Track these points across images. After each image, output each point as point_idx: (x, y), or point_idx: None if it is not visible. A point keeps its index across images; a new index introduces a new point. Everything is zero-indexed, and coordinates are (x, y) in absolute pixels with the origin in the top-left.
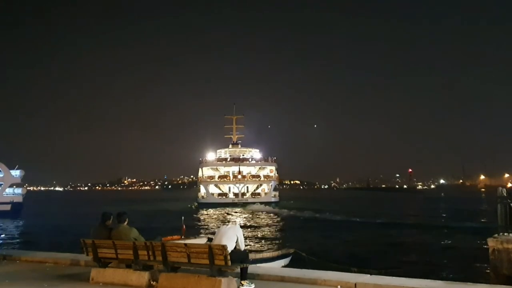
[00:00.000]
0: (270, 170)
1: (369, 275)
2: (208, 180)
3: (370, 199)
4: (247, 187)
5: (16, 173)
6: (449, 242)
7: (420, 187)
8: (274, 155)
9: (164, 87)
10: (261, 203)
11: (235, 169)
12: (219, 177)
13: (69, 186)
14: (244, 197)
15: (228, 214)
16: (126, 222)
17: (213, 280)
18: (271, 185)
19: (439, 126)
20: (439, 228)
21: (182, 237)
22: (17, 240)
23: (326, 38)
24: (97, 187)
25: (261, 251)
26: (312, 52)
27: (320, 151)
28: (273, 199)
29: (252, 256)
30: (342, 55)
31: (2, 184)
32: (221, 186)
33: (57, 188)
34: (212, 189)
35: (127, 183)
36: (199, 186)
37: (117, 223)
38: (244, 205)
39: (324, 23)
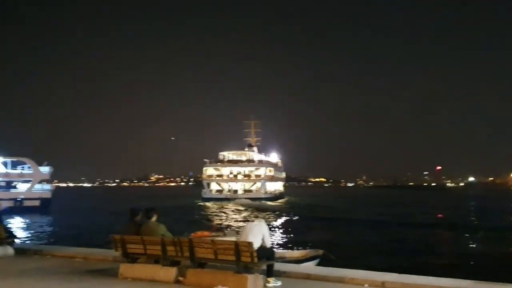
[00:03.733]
0: (269, 170)
1: (396, 274)
2: (209, 178)
3: (396, 197)
4: (244, 184)
5: (45, 169)
6: (478, 241)
7: (449, 185)
8: (295, 155)
9: (192, 86)
10: (251, 198)
11: (232, 169)
12: (217, 176)
13: (97, 182)
14: (237, 193)
15: (221, 207)
16: (154, 218)
17: (239, 277)
18: (261, 183)
19: (469, 122)
20: (468, 227)
21: (212, 233)
22: (47, 235)
23: (345, 36)
24: (124, 183)
25: (289, 251)
26: (335, 45)
27: (348, 148)
28: (263, 196)
29: (279, 256)
30: (365, 51)
31: (31, 180)
32: (221, 184)
33: (85, 184)
34: (214, 186)
35: (153, 180)
36: (203, 183)
37: (145, 219)
38: (232, 199)
39: (337, 24)
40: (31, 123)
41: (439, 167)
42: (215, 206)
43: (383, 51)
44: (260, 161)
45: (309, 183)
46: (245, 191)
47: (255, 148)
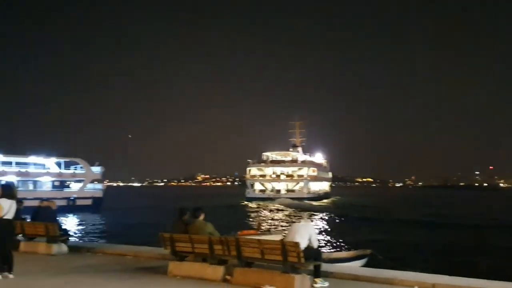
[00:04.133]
0: (312, 170)
1: (448, 276)
2: (252, 178)
3: (446, 198)
4: (287, 184)
5: (96, 169)
6: None
7: (502, 185)
8: (342, 155)
9: (237, 87)
10: (293, 198)
11: (275, 169)
12: (260, 176)
13: (146, 182)
14: (280, 193)
15: (265, 207)
16: (201, 217)
17: (286, 277)
18: (304, 183)
19: None
20: None
21: (258, 232)
22: (99, 233)
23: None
24: (172, 183)
25: (336, 251)
26: (378, 46)
27: (396, 148)
28: (305, 195)
29: (326, 255)
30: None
31: (83, 180)
32: (265, 183)
33: (134, 184)
34: (257, 186)
35: (200, 179)
36: (246, 183)
37: (193, 218)
38: (274, 199)
39: (377, 26)
40: (85, 125)
41: (491, 167)
42: (258, 205)
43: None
44: (303, 161)
45: (356, 184)
46: (288, 191)
47: (299, 149)
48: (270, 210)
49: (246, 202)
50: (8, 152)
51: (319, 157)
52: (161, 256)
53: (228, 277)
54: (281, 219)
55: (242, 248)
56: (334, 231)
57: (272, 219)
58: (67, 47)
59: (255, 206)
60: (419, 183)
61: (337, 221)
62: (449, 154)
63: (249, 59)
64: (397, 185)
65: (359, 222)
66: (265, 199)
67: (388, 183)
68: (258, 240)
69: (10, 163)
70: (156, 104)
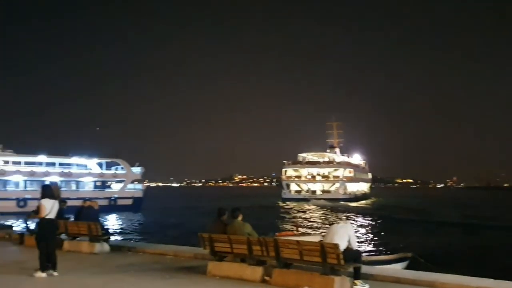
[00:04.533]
0: (348, 171)
1: (491, 279)
2: (288, 179)
3: (489, 199)
4: (323, 185)
5: (136, 170)
6: None
7: None
8: (382, 156)
9: (275, 87)
10: (329, 199)
11: (311, 170)
12: (295, 177)
13: (184, 182)
14: (315, 194)
15: (300, 207)
16: (240, 218)
17: (326, 278)
18: (340, 184)
19: None
20: None
21: (296, 234)
22: (139, 233)
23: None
24: (210, 183)
25: (376, 254)
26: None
27: (437, 148)
28: (341, 196)
29: (365, 258)
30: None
31: (124, 180)
32: (300, 184)
33: (173, 184)
34: (293, 187)
35: (237, 180)
36: (282, 184)
37: (231, 218)
38: (310, 200)
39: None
40: (124, 126)
41: None
42: (294, 206)
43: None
44: (339, 162)
45: (396, 184)
46: (323, 191)
47: (337, 149)
48: (306, 211)
49: (281, 203)
50: (51, 153)
51: (357, 158)
52: (201, 256)
53: (267, 277)
54: (318, 220)
55: (281, 249)
56: (373, 232)
57: (309, 220)
58: (99, 46)
59: (290, 207)
60: (461, 184)
61: (376, 222)
62: (492, 154)
63: (287, 59)
64: (438, 186)
65: (399, 223)
66: (301, 200)
67: (429, 184)
68: (297, 241)
69: (53, 164)
70: (195, 105)
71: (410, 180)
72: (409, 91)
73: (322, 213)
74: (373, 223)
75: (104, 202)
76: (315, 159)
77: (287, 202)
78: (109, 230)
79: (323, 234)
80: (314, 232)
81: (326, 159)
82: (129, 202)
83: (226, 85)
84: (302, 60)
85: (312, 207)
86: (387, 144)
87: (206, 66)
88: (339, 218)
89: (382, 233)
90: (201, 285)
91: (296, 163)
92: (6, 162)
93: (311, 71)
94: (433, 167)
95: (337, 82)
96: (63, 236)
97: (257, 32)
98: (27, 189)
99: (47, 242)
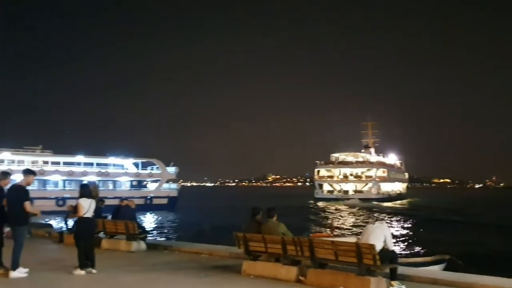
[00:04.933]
0: (382, 171)
1: None
2: (320, 179)
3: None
4: (356, 185)
5: (171, 169)
6: None
7: None
8: (419, 156)
9: (310, 87)
10: (361, 199)
11: (343, 170)
12: (328, 177)
13: (218, 182)
14: (348, 194)
15: (333, 207)
16: (275, 218)
17: (361, 279)
18: (373, 184)
19: None
20: None
21: (331, 234)
22: (174, 231)
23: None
24: (243, 183)
25: (413, 256)
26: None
27: (476, 148)
28: (374, 196)
29: (402, 260)
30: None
31: (159, 180)
32: (333, 184)
33: (207, 184)
34: (326, 186)
35: (271, 180)
36: (315, 184)
37: (266, 218)
38: (342, 200)
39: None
40: (160, 128)
41: None
42: (327, 206)
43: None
44: (371, 162)
45: (433, 184)
46: (356, 191)
47: (372, 149)
48: (339, 211)
49: (314, 203)
50: (89, 153)
51: (392, 158)
52: (235, 255)
53: (301, 277)
54: (351, 220)
55: (316, 249)
56: (409, 233)
57: (343, 220)
58: (142, 48)
59: (323, 206)
60: (501, 184)
61: (412, 223)
62: None
63: (321, 60)
64: (477, 186)
65: (435, 224)
66: (333, 199)
67: (467, 184)
68: (332, 241)
69: (91, 164)
70: (229, 106)
71: (448, 180)
72: (448, 89)
73: (355, 213)
74: (409, 223)
75: (140, 201)
76: (348, 159)
77: (320, 202)
78: (145, 229)
79: (358, 234)
80: (348, 232)
81: (359, 159)
82: (165, 201)
83: (261, 85)
84: (337, 60)
85: (344, 207)
86: (424, 144)
87: (239, 66)
88: (373, 218)
89: (418, 234)
90: (236, 284)
91: (328, 163)
92: (46, 163)
93: (346, 72)
94: (471, 167)
95: (373, 82)
96: (101, 234)
97: (293, 32)
98: (66, 188)
99: (86, 240)
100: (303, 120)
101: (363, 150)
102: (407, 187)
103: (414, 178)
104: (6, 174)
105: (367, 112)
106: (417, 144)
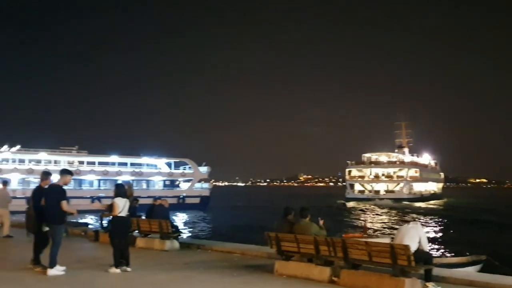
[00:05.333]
0: (414, 171)
1: None
2: (352, 179)
3: None
4: (387, 185)
5: (203, 169)
6: None
7: None
8: (454, 156)
9: (343, 87)
10: (392, 199)
11: (374, 170)
12: (359, 177)
13: (249, 182)
14: (379, 194)
15: (364, 207)
16: (308, 218)
17: (396, 280)
18: (404, 184)
19: None
20: None
21: (364, 235)
22: (206, 230)
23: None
24: (275, 183)
25: (448, 256)
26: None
27: None
28: (405, 196)
29: (437, 260)
30: None
31: (192, 180)
32: (364, 184)
33: (238, 184)
34: (357, 186)
35: (302, 179)
36: (346, 183)
37: (299, 218)
38: (373, 200)
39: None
40: (192, 128)
41: None
42: (357, 206)
43: None
44: (402, 162)
45: (469, 184)
46: (387, 191)
47: (405, 149)
48: (370, 211)
49: (345, 203)
50: (123, 153)
51: (426, 158)
52: (267, 255)
53: (335, 278)
54: (383, 221)
55: (349, 250)
56: (443, 234)
57: (374, 220)
58: (182, 53)
59: (354, 206)
60: None
61: (446, 223)
62: None
63: (353, 59)
64: None
65: (471, 224)
66: (364, 199)
67: (504, 184)
68: (366, 242)
69: (125, 164)
70: (260, 106)
71: (484, 180)
72: (484, 88)
73: (387, 214)
74: (443, 224)
75: (173, 201)
76: (380, 159)
77: (350, 202)
78: (179, 228)
79: (391, 235)
80: (381, 233)
81: (392, 159)
82: (197, 200)
83: (294, 86)
84: (370, 59)
85: (375, 207)
86: (460, 144)
87: (274, 67)
88: (405, 219)
89: (453, 235)
90: (269, 284)
91: (360, 163)
92: (81, 163)
93: (380, 71)
94: (509, 167)
95: (407, 82)
96: (135, 233)
97: (327, 35)
98: (101, 188)
99: (120, 239)
100: (336, 120)
101: (396, 150)
102: (443, 187)
103: (449, 178)
104: (47, 174)
105: (401, 112)
106: (452, 144)
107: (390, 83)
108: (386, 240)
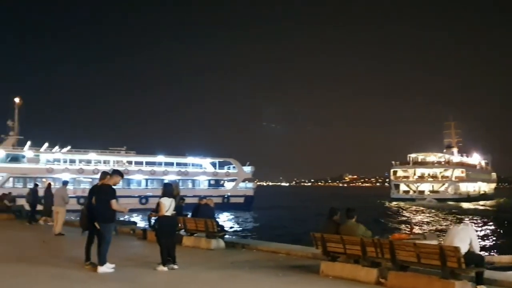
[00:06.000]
0: (461, 171)
1: None
2: (397, 179)
3: None
4: (433, 185)
5: (247, 169)
6: None
7: None
8: (508, 156)
9: (390, 87)
10: (437, 199)
11: (420, 170)
12: (403, 177)
13: (294, 182)
14: (423, 194)
15: (409, 208)
16: (354, 219)
17: (446, 283)
18: (449, 184)
19: None
20: None
21: (411, 236)
22: (251, 230)
23: None
24: (319, 183)
25: (498, 256)
26: None
27: None
28: (451, 196)
29: (488, 259)
30: None
31: (236, 179)
32: (409, 184)
33: (282, 184)
34: (402, 187)
35: (348, 180)
36: (391, 184)
37: (345, 218)
38: (417, 200)
39: None
40: (235, 128)
41: None
42: (402, 206)
43: None
44: (448, 162)
45: None
46: (432, 192)
47: (454, 150)
48: (416, 212)
49: (389, 203)
50: (169, 153)
51: (476, 158)
52: (313, 256)
53: (382, 280)
54: (429, 221)
55: (397, 251)
56: (495, 235)
57: (420, 221)
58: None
59: (398, 207)
60: None
61: (498, 224)
62: None
63: (401, 58)
64: None
65: None
66: (408, 199)
67: None
68: (414, 243)
69: (171, 163)
70: (304, 106)
71: None
72: None
73: (433, 214)
74: (493, 224)
75: (218, 200)
76: (426, 159)
77: (394, 202)
78: (224, 227)
79: (440, 237)
80: (431, 234)
81: (437, 159)
82: (241, 200)
83: (339, 86)
84: (415, 58)
85: (418, 207)
86: None
87: (315, 67)
88: (451, 219)
89: (504, 236)
90: (315, 285)
91: (405, 163)
92: (130, 163)
93: (426, 69)
94: None
95: (458, 81)
96: (182, 232)
97: (374, 33)
98: (148, 187)
99: (167, 238)
100: (383, 120)
101: (445, 150)
102: (495, 187)
103: (501, 178)
104: (105, 174)
105: (450, 111)
106: (506, 143)
107: (439, 83)
108: (434, 242)
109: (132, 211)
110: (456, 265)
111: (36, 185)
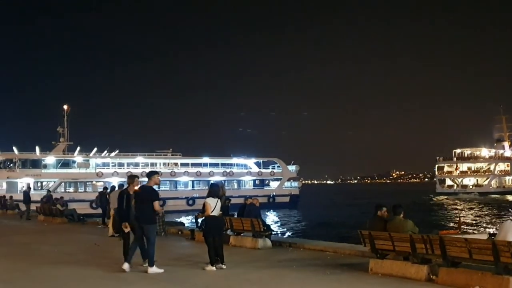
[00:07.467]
0: (507, 164)
1: None
2: (441, 174)
3: None
4: (477, 180)
5: (292, 168)
6: None
7: None
8: None
9: (438, 81)
10: (481, 193)
11: (464, 165)
12: (447, 172)
13: (339, 180)
14: (466, 188)
15: (452, 202)
16: (401, 215)
17: (500, 278)
18: (491, 177)
19: None
20: None
21: (459, 231)
22: (297, 229)
23: None
24: (366, 180)
25: None
26: None
27: None
28: (494, 190)
29: None
30: None
31: (281, 179)
32: (454, 179)
33: (328, 182)
34: (447, 181)
35: (395, 176)
36: (436, 179)
37: (392, 215)
38: (463, 194)
39: None
40: (281, 127)
41: None
42: (446, 201)
43: None
44: (491, 157)
45: None
46: (475, 185)
47: (505, 143)
48: (458, 205)
49: (433, 198)
50: (214, 154)
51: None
52: (360, 253)
53: (433, 276)
54: (476, 216)
55: (447, 247)
56: None
57: (467, 216)
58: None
59: (443, 202)
60: None
61: None
62: None
63: (446, 54)
64: None
65: None
66: (452, 194)
67: None
68: (465, 239)
69: (216, 164)
70: (350, 103)
71: None
72: None
73: (480, 208)
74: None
75: (263, 200)
76: (472, 153)
77: (438, 197)
78: (270, 227)
79: (490, 232)
80: (480, 230)
81: (482, 154)
82: (286, 199)
83: (382, 81)
84: (461, 54)
85: (460, 201)
86: None
87: (352, 64)
88: (498, 213)
89: None
90: (365, 282)
91: (449, 158)
92: (176, 165)
93: (474, 66)
94: None
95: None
96: (228, 231)
97: (423, 28)
98: (195, 188)
99: (214, 237)
100: (433, 115)
101: (495, 144)
102: None
103: None
104: (132, 178)
105: (502, 105)
106: None
107: (489, 80)
108: (484, 237)
109: (180, 212)
110: (510, 260)
111: (105, 188)
